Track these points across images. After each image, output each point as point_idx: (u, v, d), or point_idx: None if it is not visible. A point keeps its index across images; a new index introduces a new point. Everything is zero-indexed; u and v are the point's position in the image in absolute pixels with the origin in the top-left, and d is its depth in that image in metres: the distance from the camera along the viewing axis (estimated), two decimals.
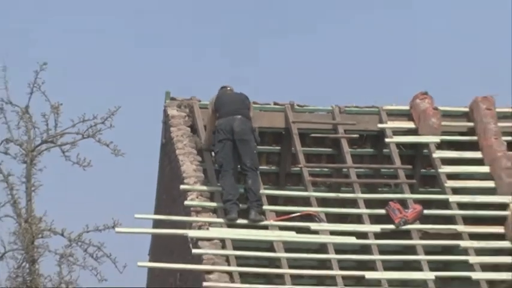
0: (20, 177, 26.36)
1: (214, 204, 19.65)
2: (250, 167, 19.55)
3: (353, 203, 20.41)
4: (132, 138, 25.30)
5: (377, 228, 19.68)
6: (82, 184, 27.15)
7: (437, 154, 21.27)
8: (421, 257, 19.43)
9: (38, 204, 26.14)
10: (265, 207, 19.34)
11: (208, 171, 20.21)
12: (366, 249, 19.68)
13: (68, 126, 25.02)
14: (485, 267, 19.65)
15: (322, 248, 19.51)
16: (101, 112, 25.22)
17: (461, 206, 20.49)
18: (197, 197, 19.64)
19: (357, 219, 20.31)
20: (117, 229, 21.78)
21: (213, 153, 20.42)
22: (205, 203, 19.55)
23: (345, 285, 18.84)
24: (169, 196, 21.69)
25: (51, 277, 26.15)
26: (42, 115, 25.36)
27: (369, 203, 20.34)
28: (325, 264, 19.70)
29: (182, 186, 19.55)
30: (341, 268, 19.10)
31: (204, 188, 19.82)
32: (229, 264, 18.40)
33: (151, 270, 23.18)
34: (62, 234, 25.62)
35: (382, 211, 19.90)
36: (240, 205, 19.37)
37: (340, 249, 19.45)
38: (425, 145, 21.61)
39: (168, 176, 21.86)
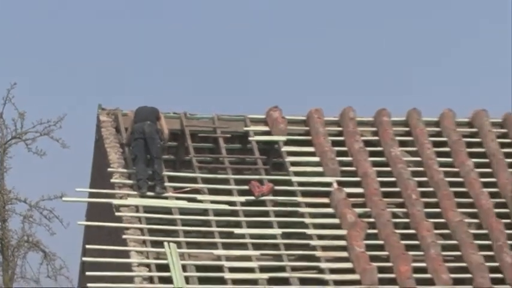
0: None
1: (131, 181, 20.64)
2: (156, 156, 20.82)
3: (226, 182, 21.39)
4: (76, 136, 26.27)
5: (242, 199, 20.76)
6: (39, 167, 27.84)
7: (284, 148, 22.19)
8: (272, 218, 20.58)
9: (8, 180, 27.03)
10: (166, 184, 20.63)
11: (127, 159, 21.18)
12: (235, 214, 20.77)
13: (29, 127, 25.89)
14: (316, 226, 20.82)
15: (205, 212, 20.56)
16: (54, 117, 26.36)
17: (300, 184, 21.50)
18: (119, 177, 20.74)
19: (229, 192, 21.14)
20: (64, 198, 22.97)
21: (130, 147, 21.09)
22: (125, 181, 20.68)
23: (220, 238, 19.91)
24: (100, 176, 22.20)
25: (17, 231, 26.42)
26: (12, 119, 26.32)
27: (237, 182, 21.38)
28: (206, 223, 20.58)
29: (109, 169, 20.73)
30: (218, 226, 20.28)
31: (124, 170, 20.90)
32: (141, 223, 19.63)
33: (86, 227, 23.16)
34: (25, 202, 26.23)
35: (246, 187, 20.94)
36: (149, 182, 20.54)
37: (217, 213, 20.59)
38: (276, 142, 22.38)
39: (99, 162, 22.48)
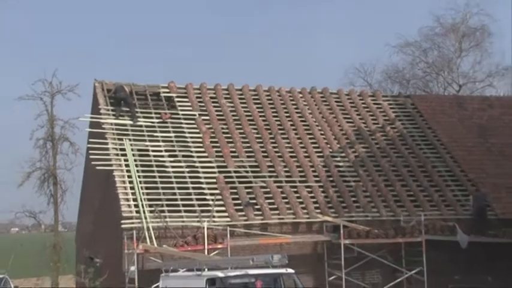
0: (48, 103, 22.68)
1: (110, 112, 20.30)
2: (131, 103, 20.61)
3: (150, 113, 20.82)
4: (86, 91, 24.75)
5: (157, 120, 20.37)
6: (66, 106, 24.09)
7: (176, 99, 21.33)
8: (170, 129, 20.14)
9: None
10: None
11: (108, 103, 20.55)
12: (155, 127, 20.21)
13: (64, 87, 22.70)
14: (189, 132, 20.46)
15: (141, 126, 19.97)
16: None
17: (183, 114, 20.89)
18: (104, 110, 20.26)
19: (152, 117, 20.66)
20: (80, 119, 21.73)
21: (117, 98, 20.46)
22: (107, 112, 20.25)
23: (148, 137, 19.66)
24: (96, 110, 20.97)
25: (58, 133, 22.42)
26: (56, 84, 22.76)
27: (155, 113, 20.78)
28: (141, 131, 19.82)
29: (99, 106, 20.46)
30: (147, 131, 19.82)
31: (108, 107, 20.46)
32: (114, 130, 19.68)
33: (89, 133, 21.33)
34: (61, 120, 22.87)
35: (159, 115, 20.49)
36: (121, 113, 20.29)
37: (146, 126, 20.03)
38: (171, 97, 21.38)
39: (95, 103, 21.29)
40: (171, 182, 18.95)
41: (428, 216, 19.30)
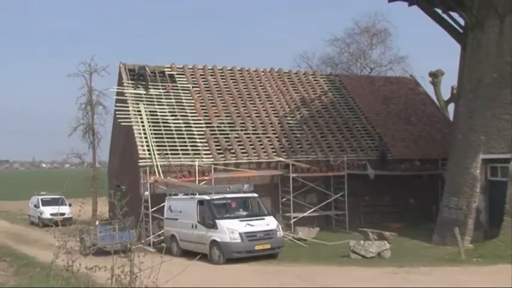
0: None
1: (131, 85, 18.94)
2: (147, 79, 19.00)
3: (158, 85, 19.23)
4: (114, 70, 22.83)
5: (163, 90, 18.92)
6: (101, 80, 23.16)
7: (176, 76, 19.69)
8: (172, 96, 18.83)
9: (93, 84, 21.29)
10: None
11: (129, 78, 19.17)
12: (161, 95, 18.81)
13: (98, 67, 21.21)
14: (186, 98, 19.11)
15: (151, 95, 18.59)
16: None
17: (180, 85, 19.77)
18: (126, 83, 18.97)
19: (158, 88, 19.02)
20: (110, 89, 20.25)
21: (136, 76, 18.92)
22: (129, 85, 18.91)
23: (157, 102, 18.31)
24: (120, 83, 19.51)
25: (94, 99, 20.92)
26: (94, 64, 21.43)
27: (162, 86, 19.29)
28: (152, 99, 18.65)
29: (123, 81, 19.11)
30: (156, 99, 18.61)
31: (130, 82, 19.06)
32: (133, 99, 18.45)
33: (116, 100, 19.24)
34: (96, 90, 21.70)
35: (165, 87, 19.11)
36: (139, 86, 18.88)
37: (155, 94, 18.66)
38: (173, 74, 19.91)
39: (120, 80, 19.75)
40: (173, 133, 18.23)
41: (349, 157, 19.04)
